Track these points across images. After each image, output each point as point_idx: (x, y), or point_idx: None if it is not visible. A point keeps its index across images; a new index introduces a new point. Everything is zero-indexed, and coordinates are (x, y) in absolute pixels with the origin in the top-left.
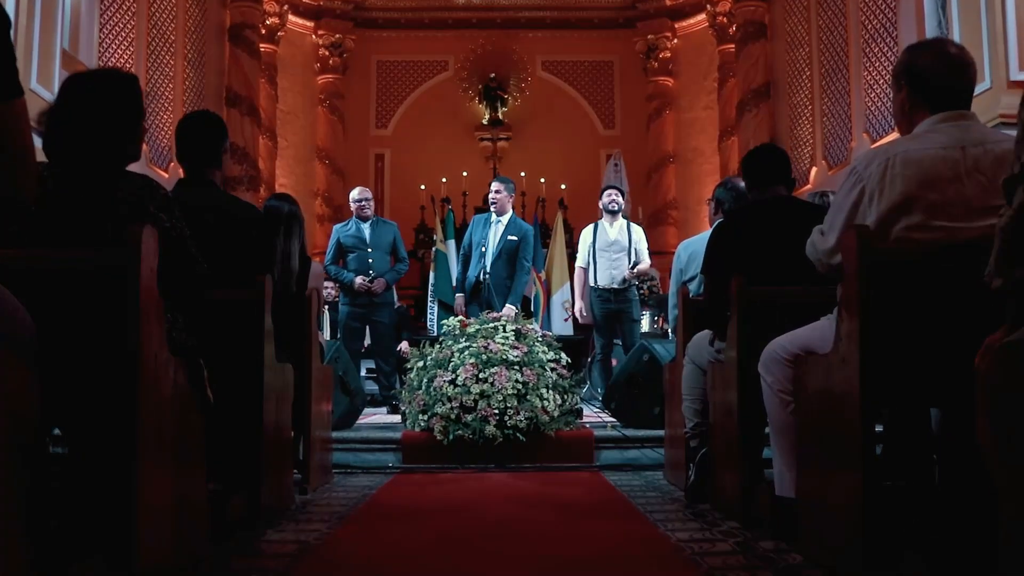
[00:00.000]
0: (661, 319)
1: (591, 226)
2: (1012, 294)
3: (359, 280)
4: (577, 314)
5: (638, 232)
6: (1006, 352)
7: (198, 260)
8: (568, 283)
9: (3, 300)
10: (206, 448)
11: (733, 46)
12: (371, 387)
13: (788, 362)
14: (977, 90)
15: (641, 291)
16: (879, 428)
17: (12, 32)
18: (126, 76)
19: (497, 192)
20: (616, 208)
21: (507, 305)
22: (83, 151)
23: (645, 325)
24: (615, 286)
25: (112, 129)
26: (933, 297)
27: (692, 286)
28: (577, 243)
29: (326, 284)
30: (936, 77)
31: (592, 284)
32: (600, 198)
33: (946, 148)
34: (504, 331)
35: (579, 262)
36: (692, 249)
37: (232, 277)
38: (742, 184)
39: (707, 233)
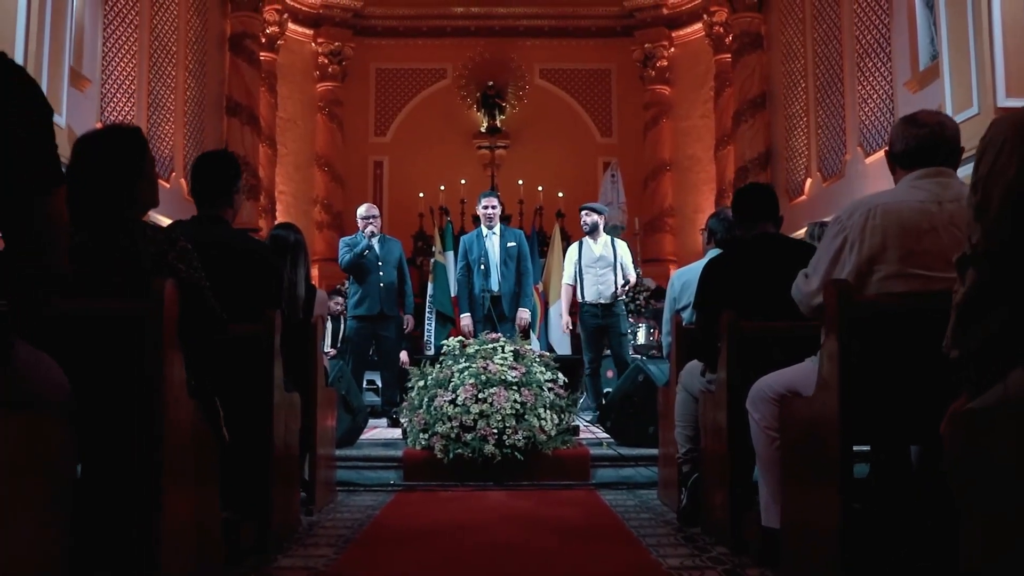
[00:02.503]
0: (656, 332)
1: (576, 244)
2: (968, 365)
3: (368, 230)
4: (564, 328)
5: (622, 247)
6: (967, 419)
7: (215, 308)
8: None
9: (43, 364)
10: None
11: (729, 56)
12: (372, 398)
13: (774, 401)
14: (965, 115)
15: (637, 302)
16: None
17: (23, 55)
18: (130, 130)
19: (495, 207)
20: (587, 228)
21: (521, 309)
22: (99, 207)
23: (641, 337)
24: (602, 301)
25: (122, 183)
26: (909, 345)
27: (685, 314)
28: None
29: (337, 299)
30: (899, 142)
31: (580, 300)
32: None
33: (924, 202)
34: (503, 352)
35: (565, 279)
36: (685, 278)
37: (242, 312)
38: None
39: (700, 263)
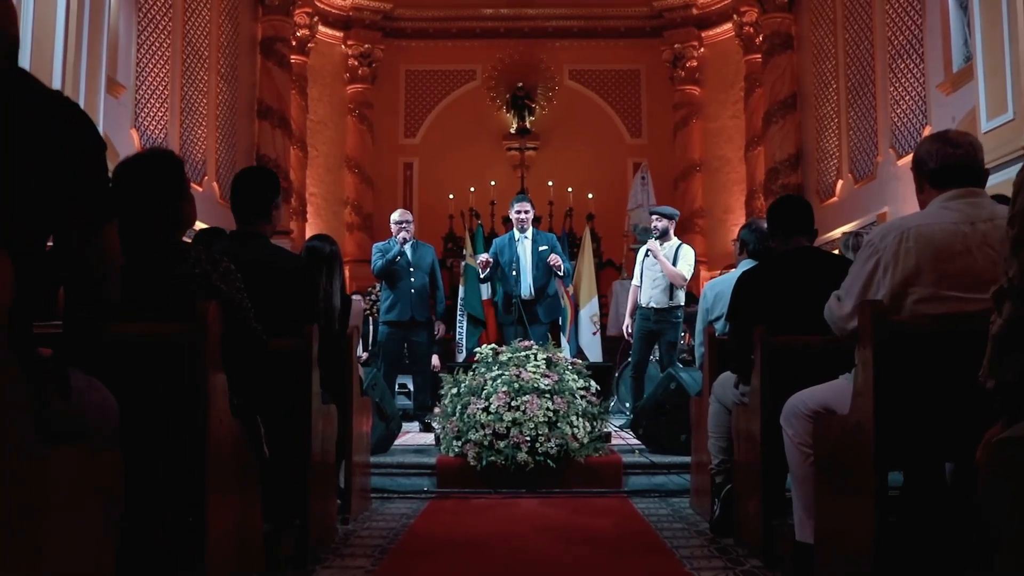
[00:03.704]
0: (687, 335)
1: (645, 247)
2: (1004, 395)
3: (401, 236)
4: (624, 331)
5: (685, 251)
6: (1002, 447)
7: (257, 328)
8: (596, 297)
9: (95, 391)
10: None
11: (760, 56)
12: (404, 402)
13: (808, 417)
14: (1000, 121)
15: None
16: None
17: (62, 63)
18: (168, 154)
19: (527, 212)
20: (656, 234)
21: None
22: (145, 230)
23: None
24: (654, 305)
25: (168, 205)
26: (943, 365)
27: (718, 325)
28: (605, 252)
29: (356, 297)
30: (932, 159)
31: (638, 303)
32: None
33: (957, 224)
34: (535, 359)
35: (634, 281)
36: (718, 289)
37: (280, 326)
38: (766, 225)
39: (733, 274)
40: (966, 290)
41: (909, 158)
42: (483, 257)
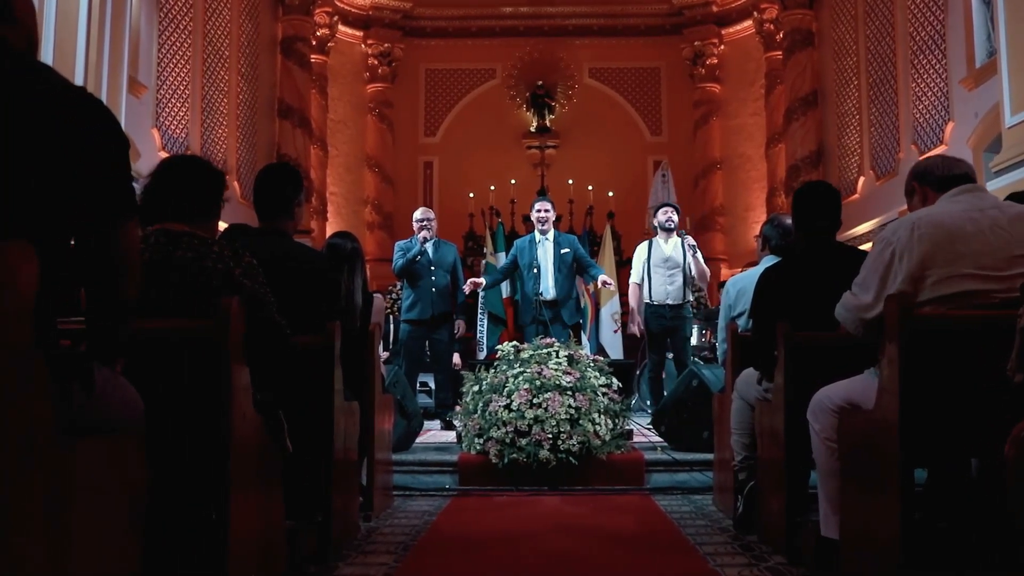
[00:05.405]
0: (708, 332)
1: (646, 243)
2: None
3: (423, 235)
4: (636, 331)
5: (689, 241)
6: None
7: (280, 323)
8: (617, 295)
9: (119, 386)
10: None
11: (780, 53)
12: (425, 400)
13: (834, 412)
14: None
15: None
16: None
17: (84, 64)
18: (206, 162)
19: (548, 211)
20: (672, 226)
21: (601, 275)
22: (178, 224)
23: (693, 339)
24: (670, 302)
25: (210, 203)
26: (969, 359)
27: (740, 321)
28: (625, 251)
29: (378, 294)
30: (938, 168)
31: (647, 300)
32: (655, 216)
33: (965, 210)
34: (557, 357)
35: (633, 278)
36: (741, 286)
37: (302, 322)
38: (788, 221)
39: (755, 271)
40: (983, 268)
41: (931, 154)
42: (471, 282)
